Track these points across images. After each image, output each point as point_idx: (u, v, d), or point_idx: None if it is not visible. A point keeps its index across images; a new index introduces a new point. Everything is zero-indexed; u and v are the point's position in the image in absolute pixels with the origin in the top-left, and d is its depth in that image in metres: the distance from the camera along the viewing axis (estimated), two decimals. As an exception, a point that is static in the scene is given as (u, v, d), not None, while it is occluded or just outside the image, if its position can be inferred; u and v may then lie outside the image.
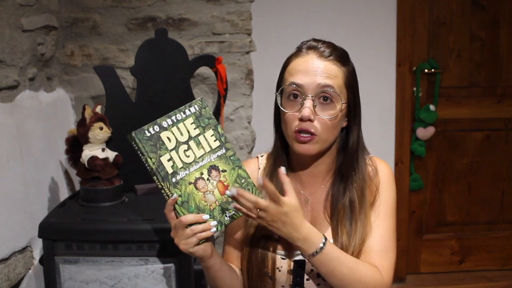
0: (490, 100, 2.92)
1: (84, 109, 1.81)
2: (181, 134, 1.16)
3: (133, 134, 1.13)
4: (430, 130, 2.86)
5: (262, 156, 1.36)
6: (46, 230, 1.68)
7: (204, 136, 1.17)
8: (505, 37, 2.86)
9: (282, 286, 1.25)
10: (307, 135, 1.17)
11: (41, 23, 1.98)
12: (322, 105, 1.17)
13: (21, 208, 1.77)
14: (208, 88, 2.34)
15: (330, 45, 1.22)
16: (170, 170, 1.13)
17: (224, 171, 1.17)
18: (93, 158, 1.78)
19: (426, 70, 2.83)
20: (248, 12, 2.31)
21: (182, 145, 1.15)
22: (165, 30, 2.09)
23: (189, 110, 1.17)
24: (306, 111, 1.15)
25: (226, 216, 1.16)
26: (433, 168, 2.97)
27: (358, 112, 1.24)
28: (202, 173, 1.15)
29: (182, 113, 1.17)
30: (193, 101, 1.19)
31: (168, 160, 1.13)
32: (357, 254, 1.20)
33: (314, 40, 1.24)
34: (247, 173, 1.19)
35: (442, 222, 3.03)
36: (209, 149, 1.17)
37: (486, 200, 3.02)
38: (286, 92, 1.20)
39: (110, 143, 1.87)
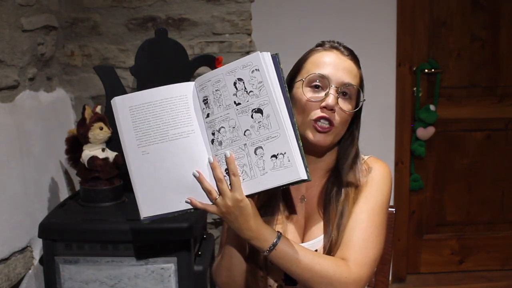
0: (490, 100, 2.92)
1: (84, 109, 1.81)
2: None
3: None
4: (430, 130, 2.86)
5: None
6: (46, 230, 1.68)
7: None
8: (505, 37, 2.86)
9: (275, 281, 1.25)
10: (326, 125, 1.17)
11: (41, 23, 1.98)
12: (343, 99, 1.20)
13: (21, 208, 1.76)
14: (208, 88, 2.34)
15: (348, 48, 1.26)
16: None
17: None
18: (93, 158, 1.78)
19: (426, 70, 2.83)
20: (248, 12, 2.31)
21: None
22: (165, 30, 2.09)
23: None
24: (332, 99, 1.16)
25: None
26: (433, 168, 2.97)
27: (359, 114, 1.27)
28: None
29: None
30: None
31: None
32: None
33: (334, 41, 1.28)
34: None
35: (442, 222, 3.03)
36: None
37: (486, 200, 3.02)
38: (309, 80, 1.20)
39: (110, 143, 1.87)
